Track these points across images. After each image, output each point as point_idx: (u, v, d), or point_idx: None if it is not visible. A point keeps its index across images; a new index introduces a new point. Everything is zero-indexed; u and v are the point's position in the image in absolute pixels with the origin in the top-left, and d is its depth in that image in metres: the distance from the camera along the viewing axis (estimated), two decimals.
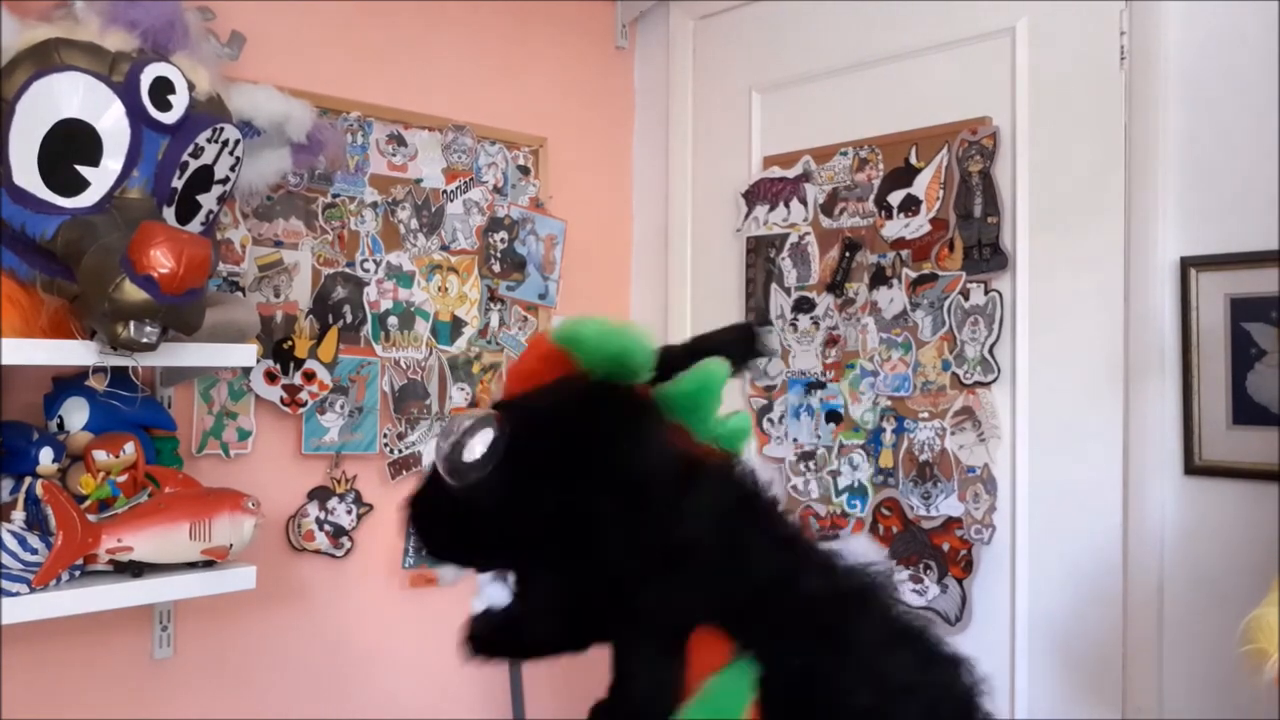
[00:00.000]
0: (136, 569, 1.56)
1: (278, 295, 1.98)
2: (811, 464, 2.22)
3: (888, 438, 2.09)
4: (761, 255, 2.34)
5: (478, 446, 1.11)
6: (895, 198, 2.10)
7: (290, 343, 1.97)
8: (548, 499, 1.13)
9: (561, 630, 1.21)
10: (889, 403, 2.10)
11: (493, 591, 1.23)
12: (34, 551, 1.45)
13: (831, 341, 2.20)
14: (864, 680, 1.10)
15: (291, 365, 1.97)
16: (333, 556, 2.06)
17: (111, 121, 1.38)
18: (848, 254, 2.18)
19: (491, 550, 1.21)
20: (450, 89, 2.27)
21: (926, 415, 2.03)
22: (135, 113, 1.39)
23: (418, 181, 2.19)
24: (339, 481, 2.06)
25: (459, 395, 2.23)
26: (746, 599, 1.13)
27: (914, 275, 2.07)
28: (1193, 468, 1.72)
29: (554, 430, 1.14)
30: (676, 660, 1.11)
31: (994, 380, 1.95)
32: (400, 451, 2.14)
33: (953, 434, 1.99)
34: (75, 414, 1.62)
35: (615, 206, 2.64)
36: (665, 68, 2.58)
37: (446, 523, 1.20)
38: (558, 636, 1.22)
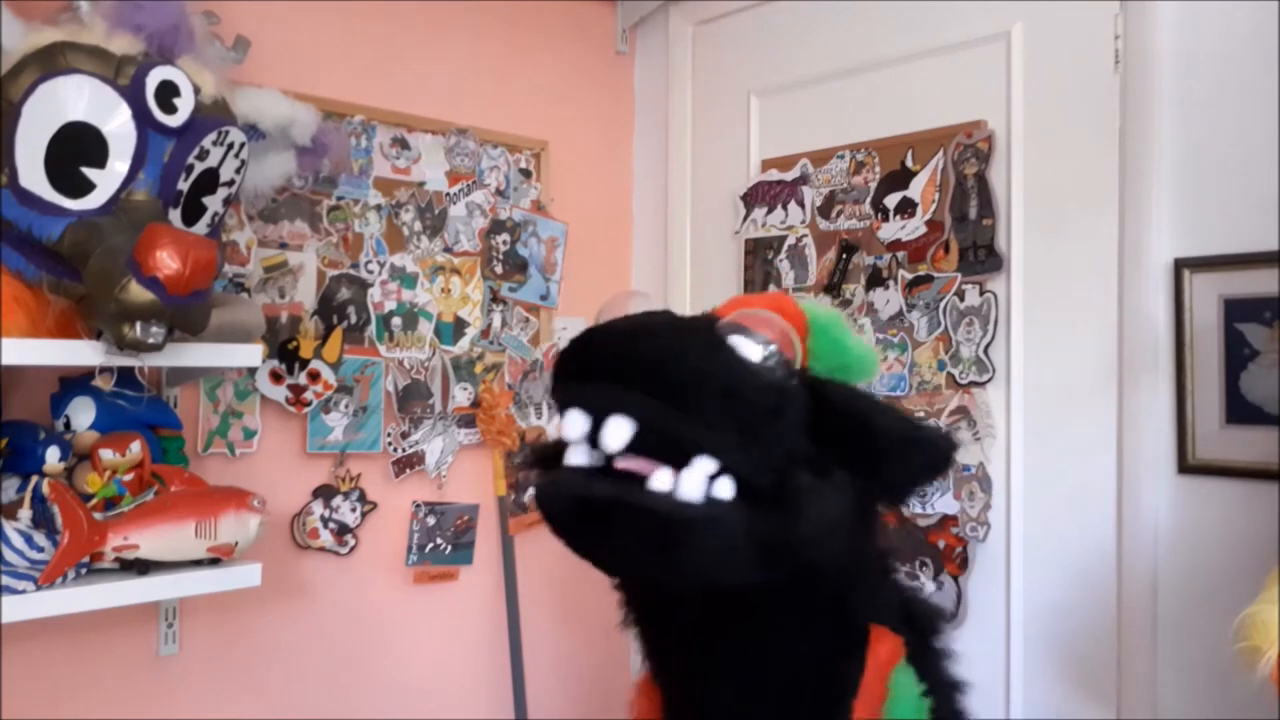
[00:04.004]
0: (142, 567, 1.57)
1: (283, 296, 2.00)
2: None
3: None
4: (760, 257, 2.35)
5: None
6: (891, 200, 2.12)
7: (295, 343, 1.99)
8: None
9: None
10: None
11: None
12: (40, 549, 1.46)
13: None
14: None
15: (296, 365, 1.99)
16: (337, 554, 2.08)
17: (117, 124, 1.39)
18: (845, 256, 2.19)
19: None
20: (453, 93, 2.29)
21: (922, 414, 2.05)
22: (141, 116, 1.40)
23: (421, 184, 2.21)
24: (343, 480, 2.08)
25: (461, 395, 2.25)
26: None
27: (910, 277, 2.08)
28: (1186, 467, 1.73)
29: None
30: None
31: (989, 380, 1.96)
32: (404, 450, 2.16)
33: None
34: (82, 413, 1.63)
35: (616, 209, 2.66)
36: (665, 72, 2.60)
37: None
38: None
